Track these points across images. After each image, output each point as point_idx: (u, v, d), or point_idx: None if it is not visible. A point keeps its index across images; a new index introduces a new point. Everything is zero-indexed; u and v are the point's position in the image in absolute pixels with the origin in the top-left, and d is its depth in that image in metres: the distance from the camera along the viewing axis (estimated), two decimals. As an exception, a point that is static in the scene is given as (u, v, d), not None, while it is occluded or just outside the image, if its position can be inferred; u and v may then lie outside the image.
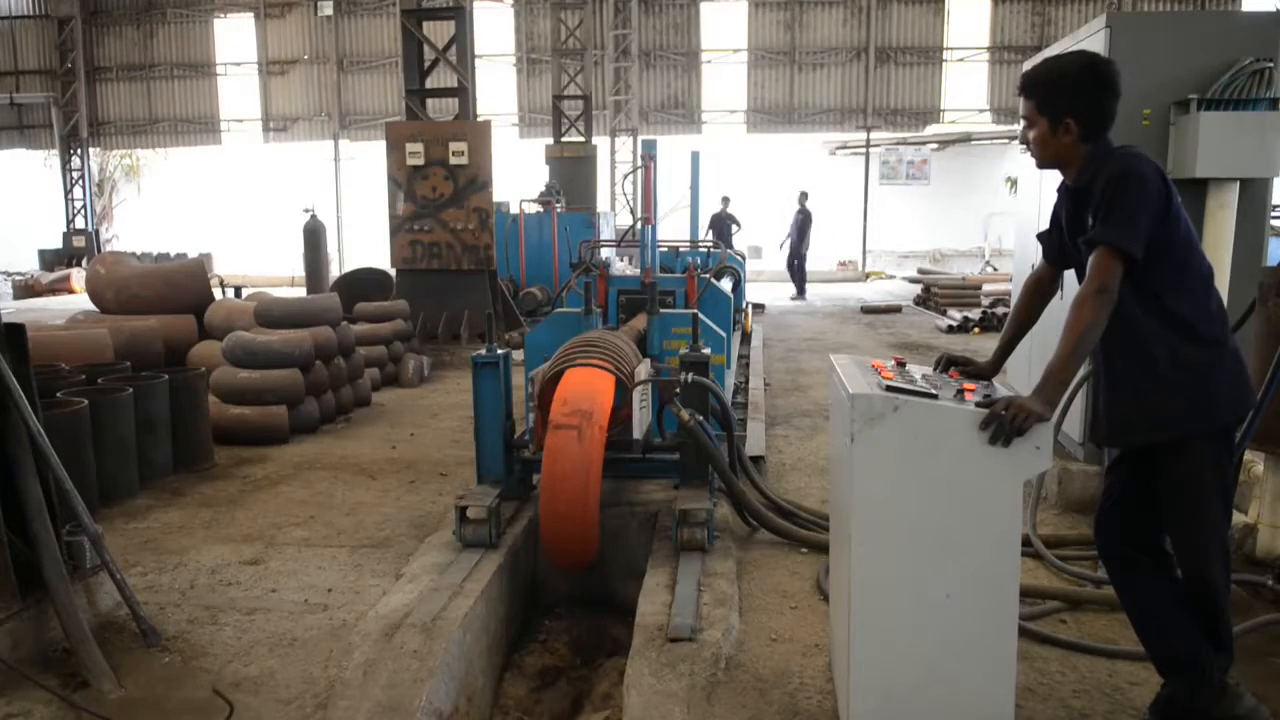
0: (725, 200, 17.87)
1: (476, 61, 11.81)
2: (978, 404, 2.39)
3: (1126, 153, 2.46)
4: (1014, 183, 17.09)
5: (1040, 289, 2.80)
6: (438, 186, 10.33)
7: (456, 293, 10.39)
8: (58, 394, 4.79)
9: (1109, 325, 2.38)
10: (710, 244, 10.82)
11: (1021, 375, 4.82)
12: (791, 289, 17.79)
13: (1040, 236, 2.78)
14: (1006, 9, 22.80)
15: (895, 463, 2.37)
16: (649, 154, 5.46)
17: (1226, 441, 2.49)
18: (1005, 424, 2.30)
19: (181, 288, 8.20)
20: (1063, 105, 2.46)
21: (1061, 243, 2.67)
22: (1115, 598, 2.79)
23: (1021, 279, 5.70)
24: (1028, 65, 2.70)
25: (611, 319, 5.86)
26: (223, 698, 2.90)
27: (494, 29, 23.39)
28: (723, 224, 17.38)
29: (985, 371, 2.77)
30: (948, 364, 2.78)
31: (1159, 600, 2.56)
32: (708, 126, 23.83)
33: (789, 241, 17.97)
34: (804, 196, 18.12)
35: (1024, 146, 2.61)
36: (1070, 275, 2.68)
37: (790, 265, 17.97)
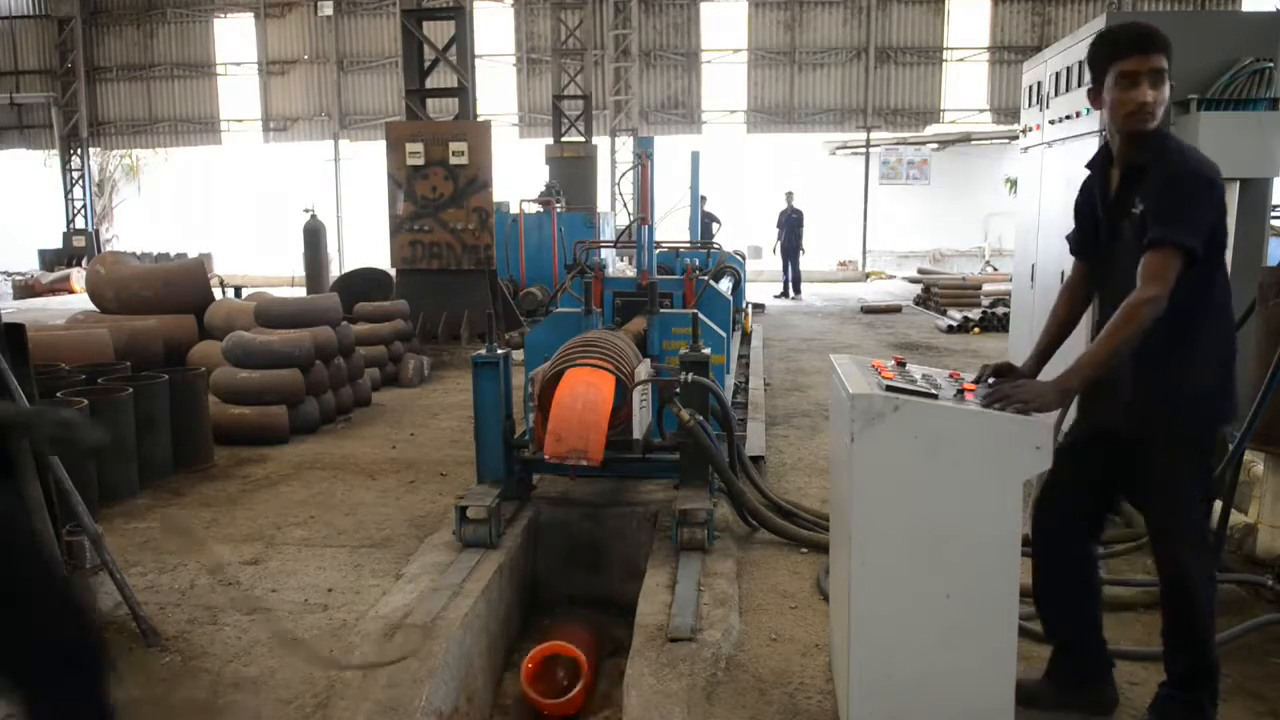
0: (703, 199, 17.92)
1: (476, 61, 11.81)
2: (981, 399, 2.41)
3: (1194, 152, 2.44)
4: (1014, 183, 17.06)
5: (1075, 294, 2.78)
6: (438, 186, 10.33)
7: (456, 293, 10.39)
8: (58, 394, 4.79)
9: None
10: (711, 245, 10.80)
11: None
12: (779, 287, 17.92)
13: (1069, 237, 2.77)
14: (1006, 9, 22.80)
15: (895, 463, 2.37)
16: (645, 152, 5.36)
17: (1211, 438, 2.51)
18: (1008, 395, 2.33)
19: (181, 288, 8.20)
20: (1170, 64, 2.42)
21: (1087, 224, 2.65)
22: (1114, 597, 2.80)
23: (1022, 279, 5.71)
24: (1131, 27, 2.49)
25: (607, 322, 5.82)
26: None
27: (494, 29, 23.38)
28: (701, 222, 17.40)
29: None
30: (992, 374, 2.67)
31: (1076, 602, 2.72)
32: (708, 126, 23.83)
33: (779, 244, 18.17)
34: (790, 196, 18.23)
35: (1135, 106, 2.42)
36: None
37: (783, 265, 18.06)
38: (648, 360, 4.55)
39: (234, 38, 24.90)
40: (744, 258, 12.23)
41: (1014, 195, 6.53)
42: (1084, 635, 2.76)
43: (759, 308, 14.61)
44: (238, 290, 8.99)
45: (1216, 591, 2.60)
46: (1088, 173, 2.69)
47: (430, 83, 11.26)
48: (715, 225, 17.76)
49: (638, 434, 4.08)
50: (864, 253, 23.72)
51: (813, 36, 23.22)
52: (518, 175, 18.71)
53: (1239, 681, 2.90)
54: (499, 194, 11.56)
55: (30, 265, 22.86)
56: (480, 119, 11.33)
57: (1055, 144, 4.90)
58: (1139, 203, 2.41)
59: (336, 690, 2.90)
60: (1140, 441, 2.52)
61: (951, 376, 2.72)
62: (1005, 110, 22.57)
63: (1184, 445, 2.47)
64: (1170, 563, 2.53)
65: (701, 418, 4.06)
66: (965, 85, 23.24)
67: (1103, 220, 2.60)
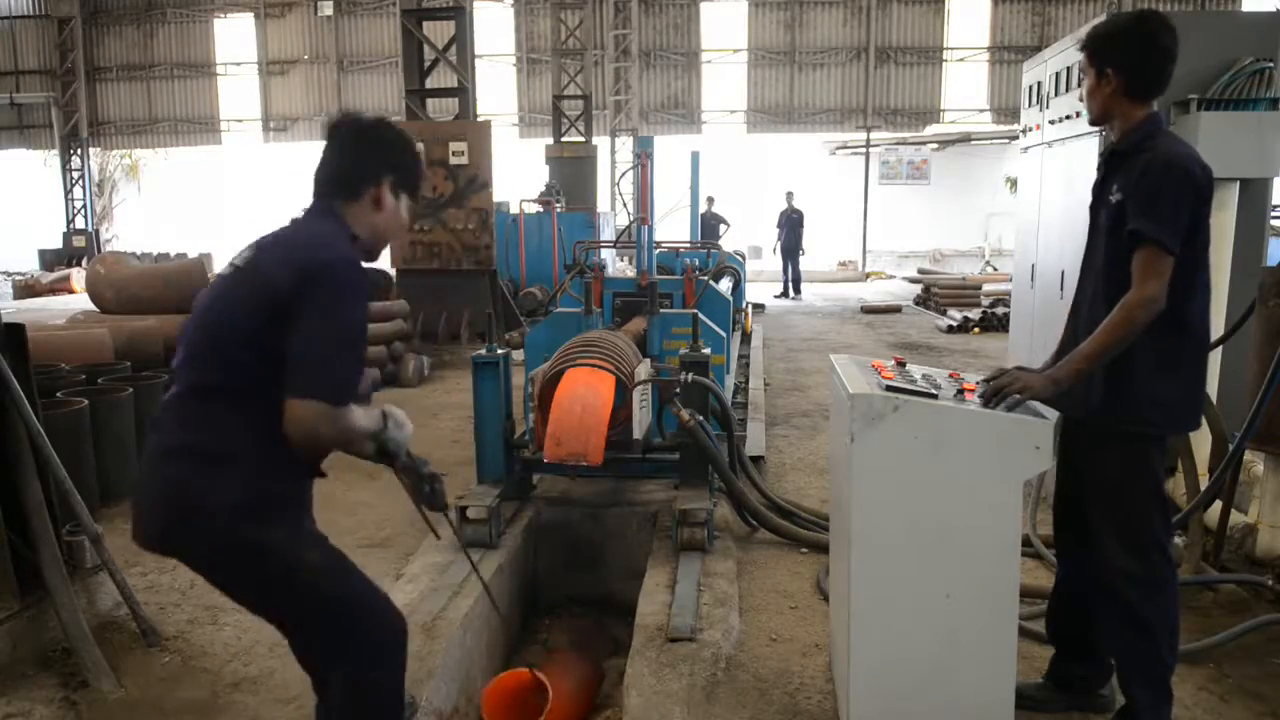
0: (710, 200, 17.95)
1: (476, 61, 11.81)
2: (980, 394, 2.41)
3: (1178, 146, 2.41)
4: (1014, 183, 17.03)
5: None
6: (438, 186, 10.33)
7: (456, 293, 10.38)
8: (58, 394, 4.79)
9: (1108, 305, 2.36)
10: (711, 245, 10.79)
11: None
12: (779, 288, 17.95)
13: None
14: (1006, 9, 22.80)
15: (895, 463, 2.37)
16: (645, 152, 5.34)
17: (1161, 443, 2.49)
18: (1001, 387, 2.35)
19: (181, 288, 8.18)
20: (1107, 57, 2.46)
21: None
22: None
23: (1022, 279, 5.71)
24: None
25: (607, 321, 5.81)
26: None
27: (494, 29, 23.39)
28: (707, 224, 17.41)
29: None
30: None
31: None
32: (708, 126, 23.84)
33: (779, 244, 18.20)
34: (790, 196, 18.26)
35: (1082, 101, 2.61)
36: (1070, 270, 2.66)
37: (784, 266, 18.09)
38: (648, 360, 4.55)
39: (234, 38, 24.90)
40: (744, 258, 12.22)
41: (1014, 195, 6.53)
42: (1086, 638, 2.75)
43: (759, 308, 14.60)
44: (238, 290, 8.97)
45: (1173, 611, 2.48)
46: (1092, 171, 2.69)
47: (430, 83, 11.26)
48: (724, 227, 17.77)
49: (638, 434, 4.08)
50: (864, 253, 23.72)
51: (812, 36, 23.23)
52: (518, 175, 18.70)
53: (1239, 681, 2.90)
54: (499, 194, 11.55)
55: (30, 265, 22.85)
56: (480, 119, 11.33)
57: (1055, 144, 4.90)
58: (1117, 191, 2.41)
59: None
60: (1091, 433, 2.50)
61: (951, 376, 2.72)
62: (1005, 110, 22.57)
63: (1132, 442, 2.44)
64: (1106, 568, 2.48)
65: (701, 418, 4.06)
66: (965, 85, 23.25)
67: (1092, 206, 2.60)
